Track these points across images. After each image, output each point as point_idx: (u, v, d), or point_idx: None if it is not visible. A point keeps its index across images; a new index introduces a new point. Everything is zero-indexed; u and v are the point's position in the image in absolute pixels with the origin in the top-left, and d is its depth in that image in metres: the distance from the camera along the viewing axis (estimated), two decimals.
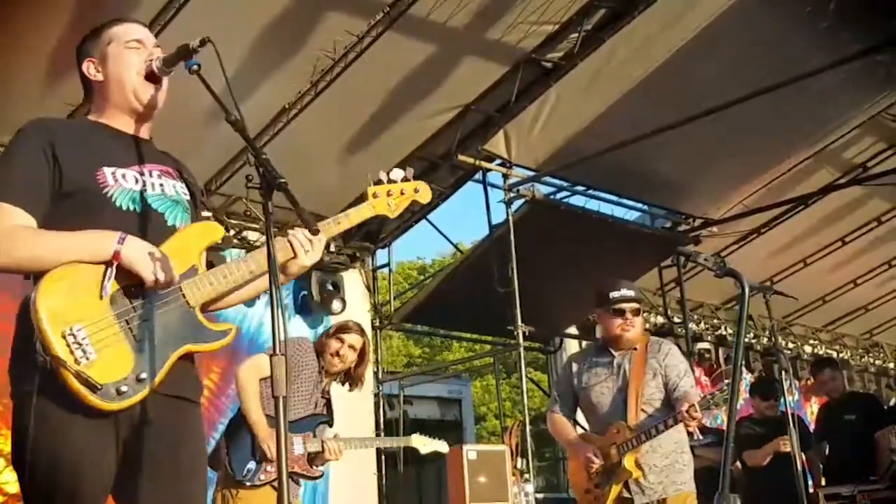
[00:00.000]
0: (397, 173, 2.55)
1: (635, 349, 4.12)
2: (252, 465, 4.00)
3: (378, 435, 7.95)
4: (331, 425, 4.27)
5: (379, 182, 2.55)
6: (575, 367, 4.27)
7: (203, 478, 2.24)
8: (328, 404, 4.31)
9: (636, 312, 4.14)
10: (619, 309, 4.12)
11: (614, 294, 4.14)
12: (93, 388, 1.96)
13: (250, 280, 2.26)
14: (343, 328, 4.26)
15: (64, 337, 1.97)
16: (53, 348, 1.96)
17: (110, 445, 2.06)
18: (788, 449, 5.65)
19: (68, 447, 2.00)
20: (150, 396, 2.07)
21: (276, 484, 3.92)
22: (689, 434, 4.00)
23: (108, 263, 2.05)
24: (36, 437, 2.00)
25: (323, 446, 4.15)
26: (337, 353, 4.20)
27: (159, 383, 2.06)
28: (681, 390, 3.97)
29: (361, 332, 4.35)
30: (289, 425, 3.90)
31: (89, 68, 2.31)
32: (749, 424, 6.09)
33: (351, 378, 4.39)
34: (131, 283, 2.08)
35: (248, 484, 3.98)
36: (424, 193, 2.62)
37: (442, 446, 4.92)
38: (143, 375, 2.03)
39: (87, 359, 1.98)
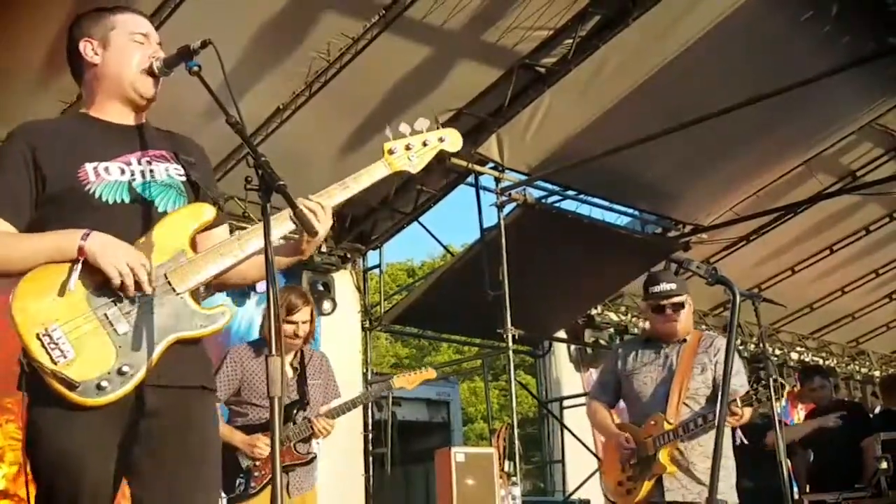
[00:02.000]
0: (422, 122, 2.33)
1: (684, 341, 4.00)
2: (241, 478, 3.96)
3: (366, 436, 7.94)
4: (306, 404, 4.13)
5: (399, 136, 2.29)
6: (621, 352, 4.16)
7: (215, 465, 2.21)
8: (302, 376, 4.17)
9: (677, 307, 3.97)
10: (658, 305, 4.00)
11: (654, 289, 4.02)
12: (70, 386, 1.96)
13: (243, 259, 2.17)
14: (290, 309, 4.08)
15: (39, 338, 1.97)
16: (30, 350, 1.96)
17: (114, 436, 2.05)
18: (832, 425, 5.75)
19: (70, 439, 2.01)
20: (152, 389, 2.06)
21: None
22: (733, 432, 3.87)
23: (74, 260, 2.03)
24: (38, 430, 2.02)
25: (311, 427, 4.06)
26: (295, 335, 4.09)
27: (150, 374, 2.03)
28: (731, 387, 3.72)
29: (306, 300, 4.20)
30: (265, 426, 3.93)
31: (87, 48, 2.27)
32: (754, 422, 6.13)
33: (307, 343, 4.30)
34: (108, 277, 2.05)
35: (245, 497, 3.94)
36: (453, 141, 2.37)
37: (429, 374, 4.68)
38: (126, 369, 2.00)
39: (65, 357, 1.97)
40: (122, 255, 2.04)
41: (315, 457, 4.17)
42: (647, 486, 3.84)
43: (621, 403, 4.21)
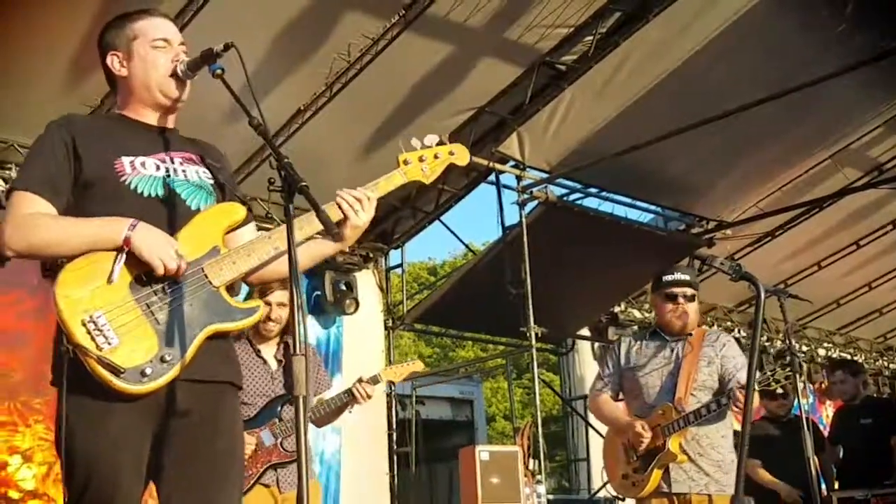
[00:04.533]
0: (431, 138, 2.48)
1: (690, 335, 4.01)
2: None
3: (390, 434, 7.95)
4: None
5: (411, 149, 2.47)
6: (624, 346, 4.15)
7: (240, 466, 2.26)
8: (288, 368, 3.88)
9: (690, 299, 4.01)
10: (671, 293, 4.01)
11: (668, 277, 4.03)
12: (116, 372, 1.99)
13: (276, 256, 2.24)
14: (262, 291, 3.82)
15: (84, 325, 2.01)
16: (74, 336, 2.00)
17: (147, 435, 2.09)
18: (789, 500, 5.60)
19: (105, 436, 2.04)
20: (184, 385, 2.09)
21: (264, 481, 3.86)
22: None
23: (119, 249, 2.09)
24: (72, 427, 2.04)
25: (350, 394, 4.02)
26: (269, 318, 3.91)
27: (189, 364, 2.07)
28: (737, 381, 3.82)
29: (284, 285, 3.97)
30: (250, 423, 3.85)
31: (113, 62, 2.34)
32: (762, 425, 6.08)
33: (290, 333, 4.13)
34: (150, 269, 2.10)
35: None
36: (461, 155, 2.54)
37: (416, 366, 4.52)
38: (168, 357, 2.05)
39: (109, 344, 2.01)
40: (165, 245, 2.10)
41: None
42: (657, 475, 3.83)
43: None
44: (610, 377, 4.16)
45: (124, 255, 2.08)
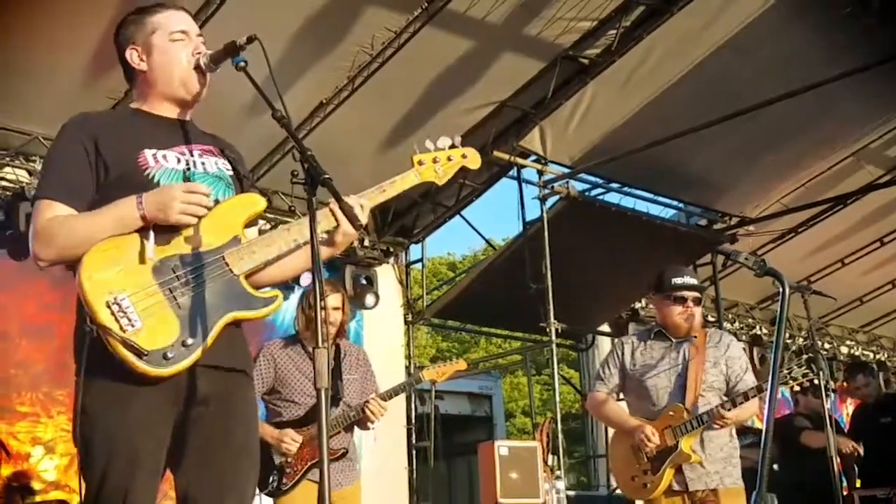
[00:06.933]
0: (444, 141, 2.51)
1: (695, 337, 4.00)
2: (274, 475, 3.95)
3: (409, 429, 7.96)
4: (339, 399, 4.06)
5: (425, 151, 2.50)
6: (628, 348, 4.12)
7: (255, 454, 2.26)
8: (336, 370, 4.10)
9: (697, 302, 4.00)
10: (680, 297, 3.98)
11: (677, 280, 3.99)
12: (139, 354, 2.00)
13: (293, 249, 2.24)
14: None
15: (108, 306, 2.02)
16: (99, 317, 2.01)
17: (168, 420, 2.10)
18: (849, 451, 5.65)
19: (126, 419, 2.04)
20: (203, 371, 2.11)
21: (311, 477, 3.91)
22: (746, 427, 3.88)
23: (142, 229, 2.10)
24: (91, 409, 2.05)
25: (362, 411, 4.03)
26: (324, 321, 4.05)
27: (208, 350, 2.08)
28: (745, 383, 3.87)
29: (335, 287, 4.19)
30: (299, 422, 3.93)
31: (132, 56, 2.32)
32: (797, 419, 6.06)
33: (339, 333, 4.23)
34: (174, 254, 2.12)
35: (278, 493, 3.94)
36: (473, 159, 2.57)
37: (459, 365, 4.53)
38: (190, 341, 2.06)
39: (133, 326, 2.02)
40: (178, 198, 2.10)
41: (346, 452, 4.09)
42: (668, 475, 3.83)
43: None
44: (611, 378, 4.13)
45: (152, 234, 2.09)
